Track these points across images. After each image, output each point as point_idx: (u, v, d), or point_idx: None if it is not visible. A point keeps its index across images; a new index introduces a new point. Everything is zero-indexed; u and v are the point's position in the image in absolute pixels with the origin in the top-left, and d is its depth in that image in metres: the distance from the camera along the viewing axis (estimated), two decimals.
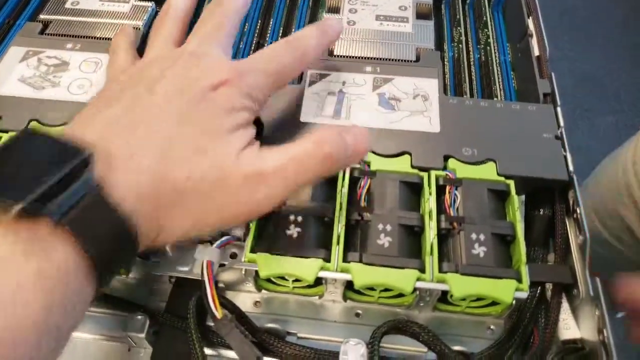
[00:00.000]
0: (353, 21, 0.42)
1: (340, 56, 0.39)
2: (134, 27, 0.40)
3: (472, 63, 0.42)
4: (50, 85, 0.36)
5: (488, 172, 0.33)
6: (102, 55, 0.38)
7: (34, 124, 0.34)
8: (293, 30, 0.46)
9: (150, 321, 0.29)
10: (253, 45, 0.45)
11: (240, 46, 0.45)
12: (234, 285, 0.31)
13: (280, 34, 0.46)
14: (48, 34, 0.40)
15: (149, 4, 0.42)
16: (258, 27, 0.46)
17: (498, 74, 0.41)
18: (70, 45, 0.39)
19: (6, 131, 0.34)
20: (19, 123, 0.34)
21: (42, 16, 0.41)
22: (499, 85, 0.40)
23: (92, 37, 0.40)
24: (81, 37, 0.40)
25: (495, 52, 0.43)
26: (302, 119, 0.35)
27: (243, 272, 0.28)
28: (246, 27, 0.46)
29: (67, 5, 0.42)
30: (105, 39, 0.40)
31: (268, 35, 0.46)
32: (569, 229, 0.32)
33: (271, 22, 0.47)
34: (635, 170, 0.54)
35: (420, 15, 0.43)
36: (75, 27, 0.40)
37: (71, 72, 0.37)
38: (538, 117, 0.36)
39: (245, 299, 0.31)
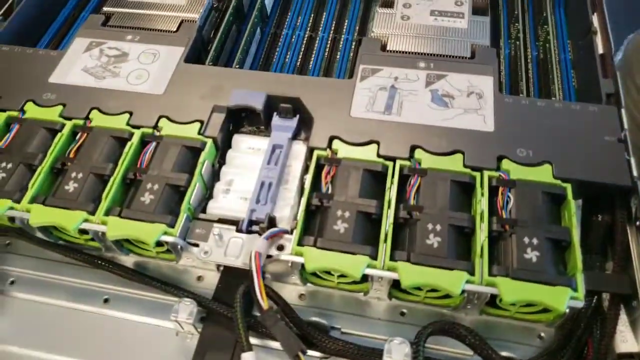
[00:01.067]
0: (407, 16, 0.41)
1: (394, 51, 0.39)
2: (190, 20, 0.41)
3: (529, 60, 0.41)
4: (110, 75, 0.37)
5: (544, 174, 0.31)
6: (160, 47, 0.39)
7: (94, 112, 0.35)
8: (345, 24, 0.46)
9: (198, 307, 0.30)
10: (305, 39, 0.45)
11: (292, 40, 0.45)
12: (281, 276, 0.31)
13: (333, 28, 0.46)
14: (110, 26, 0.41)
15: None
16: (310, 21, 0.46)
17: (557, 73, 0.40)
18: (130, 36, 0.40)
19: (70, 118, 0.35)
20: (81, 111, 0.35)
21: (105, 9, 0.42)
22: (558, 84, 0.39)
23: (150, 29, 0.41)
24: (140, 29, 0.41)
25: (555, 50, 0.41)
26: (353, 113, 0.35)
27: (290, 265, 0.29)
28: (299, 20, 0.46)
29: None
30: (163, 31, 0.41)
31: (320, 29, 0.46)
32: (630, 237, 0.31)
33: (324, 16, 0.47)
34: None
35: (477, 10, 0.42)
36: (135, 19, 0.41)
37: (130, 62, 0.38)
38: (600, 118, 0.34)
39: (291, 291, 0.31)
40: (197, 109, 0.35)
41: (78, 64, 0.38)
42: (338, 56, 0.43)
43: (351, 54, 0.43)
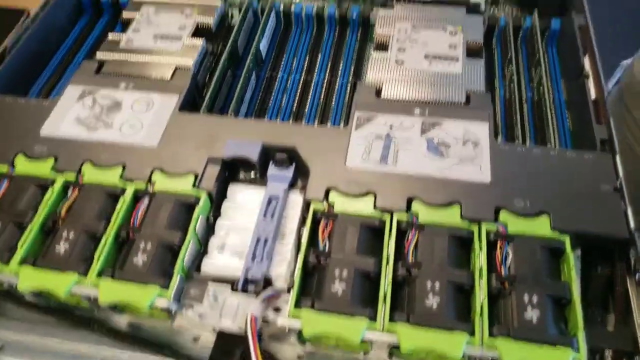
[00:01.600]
0: (402, 60, 0.41)
1: (388, 98, 0.39)
2: (184, 68, 0.41)
3: (524, 102, 0.41)
4: (103, 125, 0.37)
5: (541, 226, 0.31)
6: (154, 95, 0.39)
7: (86, 166, 0.35)
8: (341, 66, 0.46)
9: None
10: (301, 82, 0.45)
11: (288, 85, 0.45)
12: (278, 337, 0.31)
13: (328, 70, 0.46)
14: (103, 73, 0.41)
15: (200, 41, 0.43)
16: (306, 63, 0.46)
17: (552, 115, 0.40)
18: (124, 84, 0.40)
19: (62, 172, 0.35)
20: (73, 164, 0.35)
21: (98, 55, 0.42)
22: (553, 127, 0.39)
23: (144, 77, 0.40)
24: (134, 76, 0.40)
25: (549, 91, 0.41)
26: (348, 163, 0.35)
27: (287, 330, 0.28)
28: (294, 64, 0.46)
29: (122, 44, 0.43)
30: (157, 79, 0.40)
31: (315, 72, 0.46)
32: (630, 290, 0.30)
33: (319, 58, 0.47)
34: None
35: (471, 52, 0.42)
36: (128, 66, 0.41)
37: (123, 112, 0.38)
38: (595, 166, 0.34)
39: (289, 351, 0.31)
40: (192, 160, 0.35)
41: (70, 113, 0.38)
42: (334, 100, 0.43)
43: (347, 98, 0.43)
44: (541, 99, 0.41)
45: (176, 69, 0.41)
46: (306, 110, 0.43)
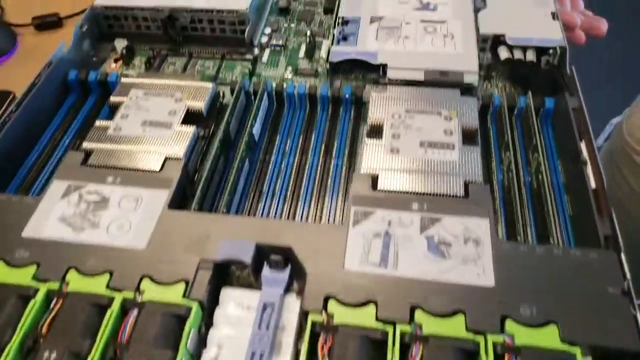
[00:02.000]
0: (397, 148, 0.40)
1: (385, 190, 0.38)
2: (174, 158, 0.40)
3: (522, 187, 0.40)
4: (89, 225, 0.36)
5: (550, 337, 0.30)
6: (142, 191, 0.37)
7: (71, 273, 0.33)
8: (335, 145, 0.45)
9: None
10: (295, 164, 0.44)
11: (282, 167, 0.44)
12: None
13: (323, 150, 0.45)
14: (90, 165, 0.40)
15: (191, 129, 0.42)
16: (300, 144, 0.45)
17: (551, 202, 0.39)
18: (111, 178, 0.38)
19: (45, 280, 0.33)
20: (57, 271, 0.33)
21: (85, 144, 0.41)
22: (554, 215, 0.38)
23: (133, 169, 0.39)
24: (122, 168, 0.39)
25: (547, 176, 0.40)
26: (347, 266, 0.33)
27: None
28: (287, 145, 0.46)
29: (110, 131, 0.42)
30: (146, 171, 0.39)
31: (310, 151, 0.45)
32: None
33: (312, 138, 0.46)
34: None
35: (467, 138, 0.41)
36: (116, 157, 0.40)
37: (110, 210, 0.36)
38: (601, 266, 0.33)
39: None
40: (182, 264, 0.33)
41: (55, 212, 0.36)
42: (329, 182, 0.42)
43: (342, 180, 0.42)
44: (540, 186, 0.40)
45: (166, 159, 0.40)
46: (301, 193, 0.42)
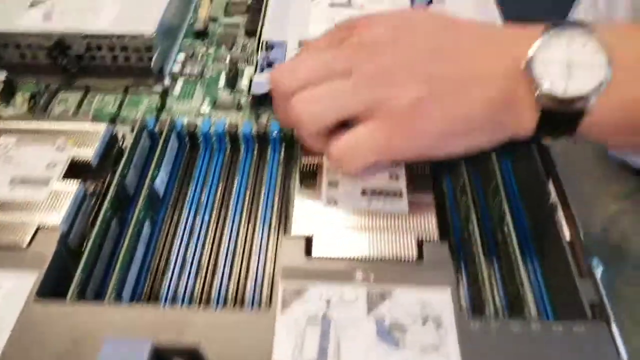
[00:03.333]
0: (335, 200, 0.33)
1: (321, 258, 0.30)
2: (49, 227, 0.31)
3: (485, 243, 0.34)
4: None
5: None
6: (4, 275, 0.28)
7: None
8: (262, 195, 0.37)
9: None
10: (212, 223, 0.36)
11: (195, 227, 0.36)
12: None
13: (247, 203, 0.37)
14: None
15: (74, 185, 0.33)
16: (218, 196, 0.37)
17: (521, 260, 0.32)
18: None
19: None
20: None
21: None
22: (527, 276, 0.32)
23: None
24: None
25: (511, 226, 0.34)
26: None
27: None
28: (203, 197, 0.37)
29: None
30: (10, 248, 0.30)
31: (231, 205, 0.37)
32: None
33: (234, 188, 0.38)
34: None
35: (417, 182, 0.35)
36: None
37: None
38: (590, 343, 0.27)
39: None
40: None
41: None
42: (254, 247, 0.34)
43: (270, 245, 0.34)
44: (505, 238, 0.33)
45: (38, 229, 0.31)
46: (219, 264, 0.33)
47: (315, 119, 0.32)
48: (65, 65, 0.46)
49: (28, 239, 0.30)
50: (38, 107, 0.43)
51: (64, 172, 0.34)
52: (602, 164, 0.62)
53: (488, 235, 0.35)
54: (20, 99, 0.44)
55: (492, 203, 0.36)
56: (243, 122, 0.41)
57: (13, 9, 0.47)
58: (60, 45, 0.45)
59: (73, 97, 0.45)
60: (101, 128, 0.37)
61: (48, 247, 0.30)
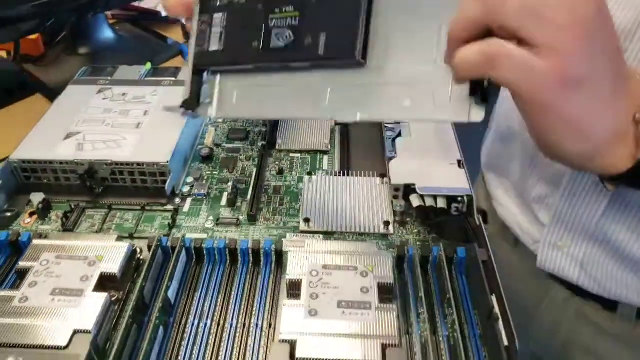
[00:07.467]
0: (315, 310, 0.40)
1: (304, 359, 0.37)
2: (82, 330, 0.37)
3: (440, 343, 0.41)
4: None
5: None
6: None
7: None
8: (255, 301, 0.45)
9: None
10: (213, 327, 0.43)
11: (199, 330, 0.42)
12: None
13: (242, 311, 0.44)
14: None
15: (102, 297, 0.40)
16: (219, 300, 0.44)
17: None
18: (12, 358, 0.36)
19: None
20: None
21: None
22: None
23: (37, 346, 0.37)
24: (25, 346, 0.37)
25: (463, 332, 0.41)
26: None
27: None
28: (205, 306, 0.44)
29: (15, 302, 0.40)
30: (51, 347, 0.37)
31: (230, 308, 0.44)
32: None
33: (232, 297, 0.45)
34: None
35: (382, 293, 0.42)
36: (20, 332, 0.37)
37: None
38: None
39: None
40: None
41: None
42: (247, 351, 0.41)
43: (262, 347, 0.41)
44: (456, 343, 0.41)
45: (74, 332, 0.38)
46: None
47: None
48: (91, 186, 0.54)
49: (66, 341, 0.37)
50: (69, 223, 0.51)
51: (95, 284, 0.41)
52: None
53: (444, 340, 0.42)
54: (55, 217, 0.52)
55: (447, 309, 0.43)
56: (240, 239, 0.49)
57: (50, 141, 0.56)
58: (89, 171, 0.54)
59: (98, 215, 0.53)
60: (124, 245, 0.45)
61: (82, 349, 0.37)
